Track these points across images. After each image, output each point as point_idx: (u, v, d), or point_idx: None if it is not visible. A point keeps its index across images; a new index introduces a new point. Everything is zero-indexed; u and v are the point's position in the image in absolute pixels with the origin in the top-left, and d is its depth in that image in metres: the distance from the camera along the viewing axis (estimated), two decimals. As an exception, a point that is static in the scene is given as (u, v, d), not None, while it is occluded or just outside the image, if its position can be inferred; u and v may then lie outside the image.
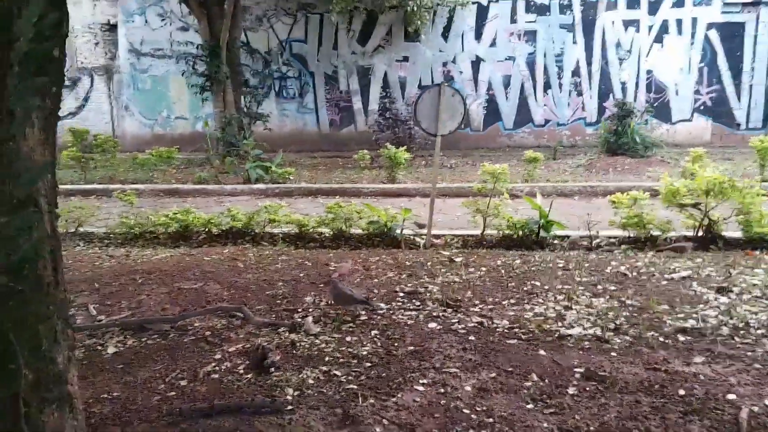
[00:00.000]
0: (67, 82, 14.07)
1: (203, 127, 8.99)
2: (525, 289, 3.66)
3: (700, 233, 4.65)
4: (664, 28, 12.10)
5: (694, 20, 11.97)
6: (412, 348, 2.85)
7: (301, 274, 4.08)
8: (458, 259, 4.39)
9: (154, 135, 13.36)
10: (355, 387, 2.48)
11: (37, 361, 1.07)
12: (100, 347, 3.01)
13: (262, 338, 3.01)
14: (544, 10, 12.29)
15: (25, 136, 1.05)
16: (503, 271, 4.03)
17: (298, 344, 2.93)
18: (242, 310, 3.28)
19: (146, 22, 13.29)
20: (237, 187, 8.35)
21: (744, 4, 11.84)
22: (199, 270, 4.20)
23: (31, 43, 1.02)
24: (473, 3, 12.15)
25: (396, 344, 2.90)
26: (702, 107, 12.24)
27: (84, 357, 2.88)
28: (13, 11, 0.97)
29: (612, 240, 4.81)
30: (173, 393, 2.48)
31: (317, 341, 2.97)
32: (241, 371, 2.67)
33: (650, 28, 12.13)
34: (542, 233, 4.78)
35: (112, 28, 13.65)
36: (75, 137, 9.57)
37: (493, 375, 2.56)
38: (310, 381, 2.53)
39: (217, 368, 2.70)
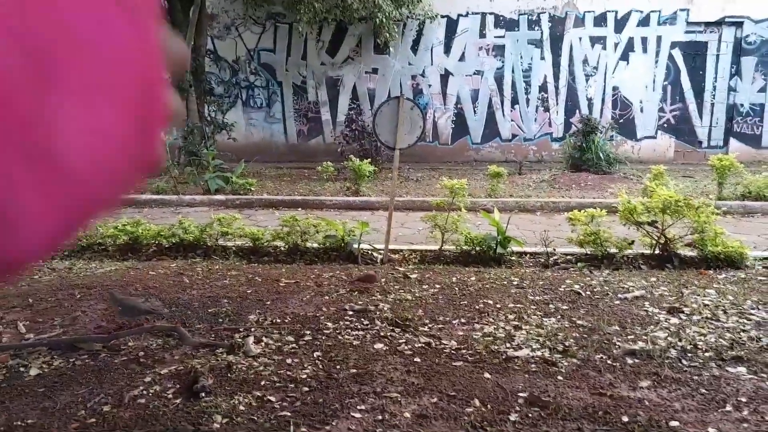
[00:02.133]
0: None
1: (163, 136, 8.75)
2: (477, 307, 3.57)
3: (657, 251, 4.63)
4: (629, 46, 12.27)
5: (659, 39, 12.17)
6: (354, 371, 2.73)
7: (249, 291, 3.94)
8: (413, 276, 4.29)
9: (117, 143, 13.06)
10: (289, 414, 2.35)
11: None
12: (23, 368, 2.83)
13: (197, 360, 2.86)
14: (512, 25, 12.37)
15: None
16: (457, 289, 3.94)
17: (234, 366, 2.78)
18: (178, 329, 3.13)
19: (109, 27, 13.03)
20: (196, 197, 8.15)
21: (707, 24, 12.07)
22: (142, 285, 4.03)
23: None
24: (442, 17, 12.19)
25: (338, 366, 2.78)
26: (666, 125, 12.42)
27: (4, 379, 2.70)
28: None
29: (569, 257, 4.76)
30: (93, 420, 2.31)
31: (255, 363, 2.83)
32: (170, 396, 2.52)
33: (616, 45, 12.30)
34: (499, 249, 4.71)
35: (74, 33, 13.34)
36: (29, 144, 9.28)
37: (435, 400, 2.45)
38: (242, 407, 2.40)
39: (145, 392, 2.55)
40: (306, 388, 2.57)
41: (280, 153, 12.61)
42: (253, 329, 3.26)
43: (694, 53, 12.17)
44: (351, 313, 3.51)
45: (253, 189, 8.46)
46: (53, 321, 3.39)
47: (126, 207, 7.83)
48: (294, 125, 12.98)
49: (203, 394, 2.49)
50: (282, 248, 5.14)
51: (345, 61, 12.72)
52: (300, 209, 7.65)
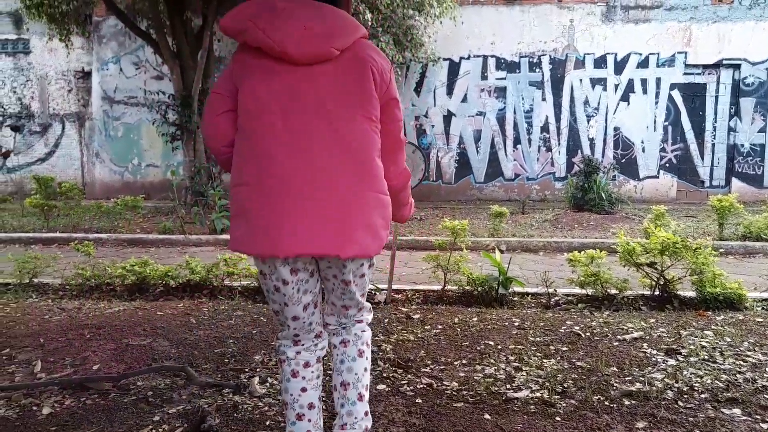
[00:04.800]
0: (37, 128, 14.05)
1: (170, 176, 8.96)
2: (478, 348, 3.63)
3: (657, 292, 4.69)
4: (630, 87, 12.52)
5: (658, 80, 12.42)
6: (357, 411, 2.78)
7: (254, 331, 4.01)
8: (416, 316, 4.36)
9: (124, 182, 13.29)
10: (293, 454, 2.41)
11: None
12: (35, 407, 2.90)
13: (204, 399, 2.93)
14: (514, 67, 12.66)
15: None
16: (459, 330, 4.01)
17: (240, 407, 2.85)
18: (185, 369, 3.20)
19: (121, 70, 13.41)
20: (202, 237, 8.28)
21: (705, 66, 12.33)
22: (150, 325, 4.11)
23: None
24: (445, 60, 12.49)
25: (341, 407, 2.83)
26: (668, 164, 12.57)
27: (17, 418, 2.77)
28: None
29: (570, 298, 4.83)
30: (102, 460, 2.38)
31: (261, 403, 2.90)
32: (178, 436, 2.58)
33: (616, 86, 12.55)
34: (501, 290, 4.78)
35: (86, 75, 13.73)
36: (39, 184, 9.47)
37: (436, 441, 2.51)
38: (247, 447, 2.46)
39: (154, 431, 2.61)
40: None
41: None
42: (258, 369, 3.33)
43: (694, 94, 12.40)
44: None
45: (259, 228, 8.57)
46: (64, 360, 3.47)
47: (133, 247, 7.96)
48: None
49: (210, 434, 2.55)
50: (287, 288, 5.22)
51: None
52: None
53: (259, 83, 1.87)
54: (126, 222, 9.12)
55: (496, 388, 3.03)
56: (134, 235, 8.41)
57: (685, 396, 2.87)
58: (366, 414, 2.20)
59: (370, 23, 10.19)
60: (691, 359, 3.36)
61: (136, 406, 2.88)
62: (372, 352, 3.51)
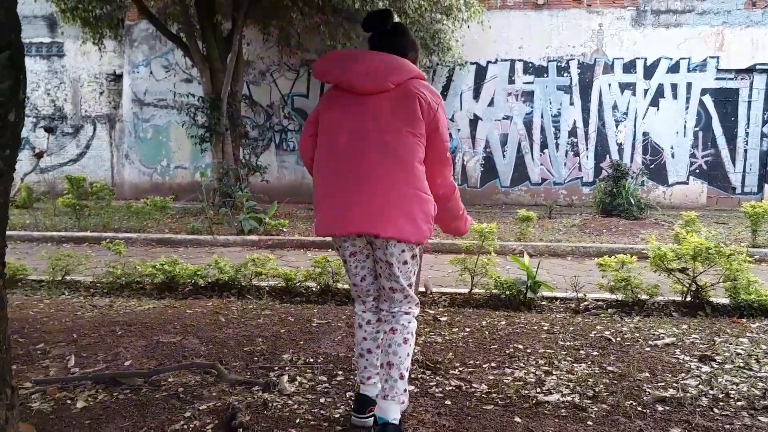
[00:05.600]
0: (69, 130, 14.34)
1: (199, 178, 9.07)
2: (507, 351, 3.61)
3: (688, 298, 4.61)
4: (659, 92, 12.35)
5: (689, 85, 12.24)
6: (386, 411, 2.78)
7: (282, 330, 4.04)
8: (443, 319, 4.35)
9: (153, 183, 13.49)
10: (323, 452, 2.42)
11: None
12: (69, 401, 2.95)
13: (234, 397, 2.95)
14: (541, 71, 12.58)
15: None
16: (487, 333, 3.98)
17: (270, 404, 2.87)
18: (216, 366, 3.23)
19: (151, 73, 13.62)
20: (230, 238, 8.36)
21: (737, 71, 12.11)
22: (180, 323, 4.16)
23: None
24: (471, 64, 12.45)
25: (370, 407, 2.83)
26: (698, 170, 12.36)
27: (52, 411, 2.82)
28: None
29: (599, 303, 4.77)
30: (135, 453, 2.41)
31: (290, 401, 2.91)
32: (210, 431, 2.60)
33: (646, 91, 12.39)
34: (529, 294, 4.74)
35: (118, 78, 13.98)
36: (71, 184, 9.65)
37: (466, 443, 2.49)
38: (277, 444, 2.47)
39: (185, 427, 2.64)
40: (339, 428, 2.63)
41: (311, 195, 12.83)
42: (287, 368, 3.35)
43: (726, 100, 12.19)
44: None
45: (285, 230, 8.64)
46: (96, 356, 3.52)
47: (162, 247, 8.07)
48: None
49: (241, 430, 2.57)
50: (314, 289, 5.24)
51: (376, 105, 13.00)
52: (330, 250, 7.77)
53: (334, 109, 2.51)
54: (155, 222, 9.24)
55: (527, 392, 3.00)
56: (163, 235, 8.52)
57: (721, 403, 2.82)
58: (405, 391, 2.54)
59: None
60: (726, 366, 3.29)
61: (168, 402, 2.91)
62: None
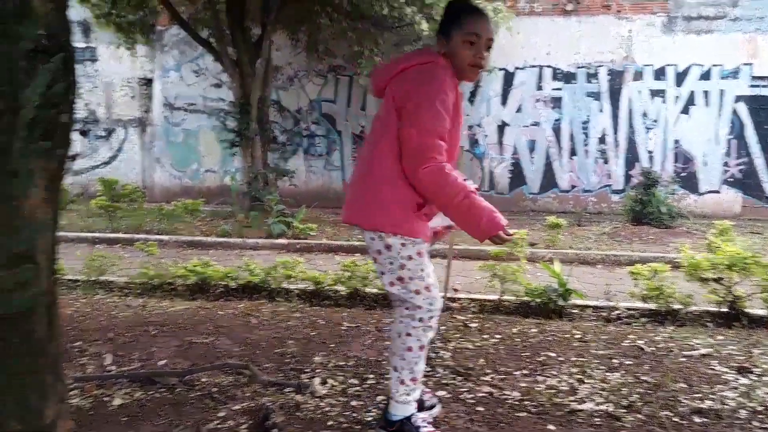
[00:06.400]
0: (102, 133, 14.62)
1: (229, 181, 9.17)
2: (539, 359, 3.58)
3: (724, 309, 4.53)
4: (690, 100, 12.16)
5: (722, 92, 12.03)
6: (418, 416, 2.78)
7: (313, 333, 4.06)
8: (473, 325, 4.33)
9: (183, 187, 13.68)
10: (356, 454, 2.43)
11: (23, 414, 1.09)
12: (107, 398, 3.00)
13: (267, 398, 2.98)
14: (570, 78, 12.48)
15: (27, 195, 1.09)
16: (518, 340, 3.96)
17: (302, 406, 2.89)
18: (249, 367, 3.26)
19: (181, 77, 13.83)
20: (259, 241, 8.43)
21: (772, 78, 11.88)
22: (213, 324, 4.22)
23: (37, 110, 1.08)
24: (500, 70, 12.40)
25: (402, 411, 2.83)
26: (731, 179, 12.13)
27: (90, 407, 2.88)
28: (20, 81, 1.03)
29: (632, 312, 4.70)
30: (172, 451, 2.45)
31: (322, 404, 2.93)
32: (243, 430, 2.63)
33: (677, 98, 12.21)
34: (560, 302, 4.70)
35: (149, 82, 14.21)
36: (105, 186, 9.84)
37: (499, 449, 2.48)
38: (311, 446, 2.49)
39: (220, 426, 2.67)
40: (371, 431, 2.64)
41: (338, 199, 12.90)
42: (318, 371, 3.37)
43: (760, 107, 11.95)
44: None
45: (313, 234, 8.69)
46: (132, 355, 3.59)
47: (192, 249, 8.17)
48: (352, 173, 13.28)
49: (274, 431, 2.59)
50: (343, 292, 5.26)
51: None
52: (358, 254, 7.79)
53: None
54: (186, 225, 9.37)
55: (559, 400, 2.98)
56: (194, 237, 8.63)
57: (760, 416, 2.76)
58: (408, 394, 2.52)
59: (425, 32, 10.23)
60: (765, 379, 3.22)
61: (202, 402, 2.95)
62: (429, 357, 3.51)
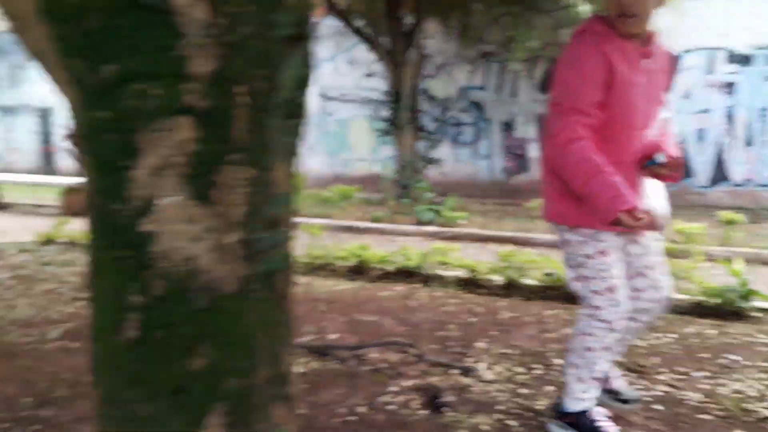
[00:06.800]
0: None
1: (381, 170, 9.45)
2: (720, 362, 3.33)
3: None
4: None
5: None
6: (590, 409, 2.71)
7: (472, 320, 4.08)
8: (641, 321, 4.11)
9: (335, 174, 14.28)
10: (530, 440, 2.42)
11: (271, 360, 1.21)
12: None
13: (434, 377, 3.05)
14: (746, 61, 11.34)
15: (276, 167, 1.20)
16: (695, 340, 3.71)
17: (470, 388, 2.92)
18: (416, 346, 3.36)
19: (336, 68, 14.39)
20: (409, 227, 8.60)
21: None
22: (375, 304, 4.38)
23: (290, 91, 1.18)
24: (665, 53, 11.55)
25: (572, 402, 2.77)
26: None
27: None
28: (277, 65, 1.13)
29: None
30: (353, 418, 2.60)
31: (489, 388, 2.95)
32: (415, 407, 2.72)
33: None
34: (741, 303, 4.32)
35: (308, 74, 14.93)
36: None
37: (684, 451, 2.35)
38: (485, 427, 2.51)
39: (392, 400, 2.78)
40: (543, 419, 2.61)
41: (484, 188, 12.80)
42: (482, 356, 3.38)
43: None
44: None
45: (462, 222, 8.70)
46: (305, 328, 3.83)
47: (346, 233, 8.53)
48: (500, 162, 13.12)
49: (446, 409, 2.65)
50: (498, 282, 5.23)
51: (556, 98, 12.62)
52: (508, 245, 7.69)
53: None
54: (340, 210, 9.79)
55: (748, 405, 2.76)
56: (347, 222, 9.00)
57: None
58: (579, 380, 2.41)
59: (586, 15, 9.80)
60: None
61: (373, 376, 3.09)
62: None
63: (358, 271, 5.58)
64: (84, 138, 1.13)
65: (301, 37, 1.17)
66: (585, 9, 9.53)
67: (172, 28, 1.04)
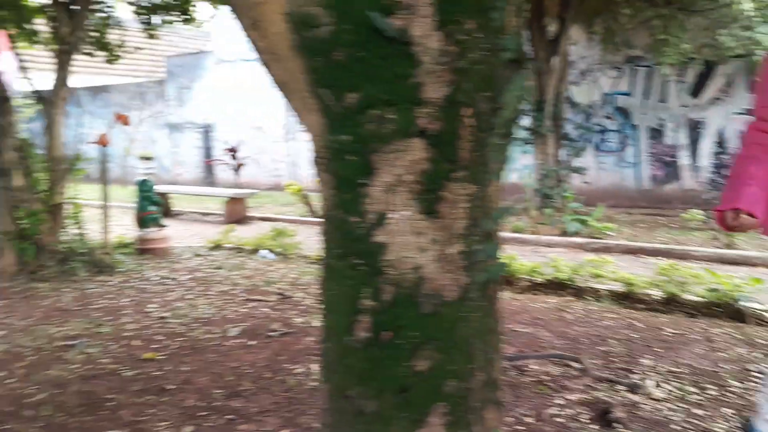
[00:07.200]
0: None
1: (524, 179, 9.33)
2: None
3: None
4: None
5: None
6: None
7: (634, 335, 3.94)
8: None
9: (473, 183, 14.28)
10: (713, 464, 2.31)
11: (486, 365, 1.29)
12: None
13: (599, 392, 2.99)
14: None
15: (491, 183, 1.28)
16: None
17: (639, 405, 2.84)
18: (581, 360, 3.31)
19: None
20: (553, 238, 8.42)
21: None
22: (528, 315, 4.36)
23: (508, 113, 1.26)
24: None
25: (756, 428, 2.61)
26: None
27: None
28: (500, 87, 1.21)
29: None
30: (521, 428, 2.62)
31: (660, 406, 2.84)
32: (584, 420, 2.69)
33: None
34: None
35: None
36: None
37: None
38: (660, 447, 2.44)
39: (559, 413, 2.77)
40: (725, 442, 2.49)
41: (630, 198, 12.20)
42: (649, 373, 3.26)
43: None
44: (758, 374, 3.24)
45: (611, 233, 8.37)
46: (460, 336, 3.90)
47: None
48: (647, 169, 12.45)
49: (617, 425, 2.60)
50: (656, 297, 4.98)
51: (710, 102, 11.78)
52: (662, 258, 7.29)
53: None
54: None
55: None
56: (489, 232, 8.98)
57: None
58: (759, 405, 2.34)
59: (747, 13, 9.08)
60: None
61: (536, 387, 3.09)
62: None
63: (506, 281, 5.56)
64: (326, 159, 1.28)
65: (520, 60, 1.25)
66: (748, 6, 8.82)
67: (410, 58, 1.16)
